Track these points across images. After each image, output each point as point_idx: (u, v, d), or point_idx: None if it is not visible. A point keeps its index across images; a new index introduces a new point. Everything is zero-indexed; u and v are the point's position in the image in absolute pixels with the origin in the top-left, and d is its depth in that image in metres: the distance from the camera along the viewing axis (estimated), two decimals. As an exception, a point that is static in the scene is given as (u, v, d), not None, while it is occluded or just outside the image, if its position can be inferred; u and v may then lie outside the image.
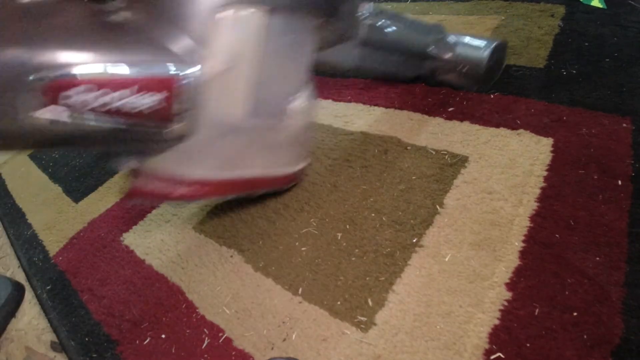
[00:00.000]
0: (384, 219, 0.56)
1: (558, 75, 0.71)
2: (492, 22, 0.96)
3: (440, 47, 0.70)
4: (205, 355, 0.48)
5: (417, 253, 0.51)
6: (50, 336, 0.60)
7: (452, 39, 0.71)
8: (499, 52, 0.70)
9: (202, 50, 0.38)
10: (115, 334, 0.54)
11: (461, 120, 0.69)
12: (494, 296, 0.44)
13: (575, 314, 0.40)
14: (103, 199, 0.83)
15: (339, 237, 0.56)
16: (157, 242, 0.67)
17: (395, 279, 0.49)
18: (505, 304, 0.43)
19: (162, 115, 0.38)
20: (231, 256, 0.59)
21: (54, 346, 0.58)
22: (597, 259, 0.44)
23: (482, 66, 0.68)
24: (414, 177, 0.61)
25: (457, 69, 0.70)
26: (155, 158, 0.43)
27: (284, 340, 0.47)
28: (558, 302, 0.42)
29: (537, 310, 0.41)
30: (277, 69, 0.45)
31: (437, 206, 0.55)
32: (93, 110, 0.35)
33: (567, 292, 0.42)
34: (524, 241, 0.48)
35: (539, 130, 0.62)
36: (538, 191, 0.53)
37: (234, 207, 0.67)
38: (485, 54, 0.67)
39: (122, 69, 0.35)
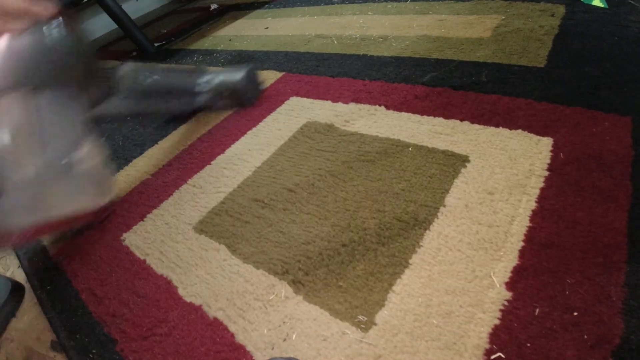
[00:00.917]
0: (384, 218, 0.56)
1: (558, 75, 0.71)
2: (492, 22, 0.96)
3: (204, 82, 0.87)
4: (206, 355, 0.48)
5: (417, 253, 0.51)
6: (50, 336, 0.60)
7: (211, 74, 0.88)
8: (250, 75, 0.87)
9: None
10: (116, 334, 0.54)
11: (461, 120, 0.69)
12: (494, 296, 0.44)
13: (575, 313, 0.40)
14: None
15: (340, 237, 0.56)
16: (157, 242, 0.67)
17: (395, 279, 0.49)
18: (506, 304, 0.43)
19: None
20: (231, 256, 0.59)
21: (54, 346, 0.58)
22: (597, 259, 0.44)
23: (239, 88, 0.86)
24: (414, 177, 0.61)
25: (224, 95, 0.87)
26: None
27: (285, 340, 0.47)
28: (558, 302, 0.42)
29: (537, 310, 0.41)
30: (54, 129, 0.56)
31: (438, 206, 0.55)
32: None
33: (567, 292, 0.42)
34: (523, 241, 0.48)
35: (539, 130, 0.62)
36: (538, 191, 0.53)
37: (235, 208, 0.67)
38: (239, 77, 0.85)
39: None
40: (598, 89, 0.65)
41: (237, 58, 1.28)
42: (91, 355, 0.53)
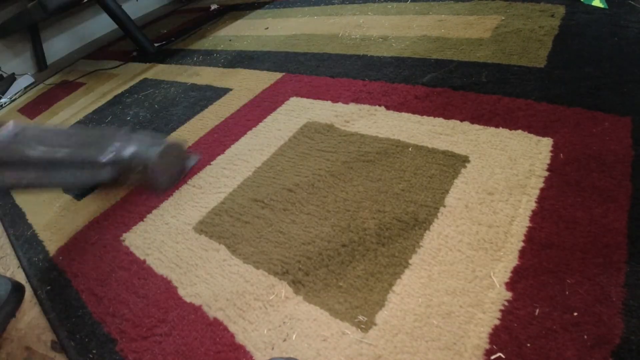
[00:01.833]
0: (384, 219, 0.56)
1: (558, 75, 0.71)
2: (492, 22, 0.96)
3: (111, 151, 0.68)
4: (206, 355, 0.48)
5: (417, 253, 0.51)
6: (50, 336, 0.60)
7: (122, 143, 0.70)
8: (168, 154, 0.66)
9: None
10: (116, 334, 0.54)
11: (461, 120, 0.69)
12: (494, 296, 0.44)
13: (575, 314, 0.40)
14: (103, 198, 0.83)
15: (340, 238, 0.56)
16: (157, 242, 0.67)
17: (395, 279, 0.49)
18: (506, 304, 0.43)
19: None
20: (231, 256, 0.59)
21: (54, 346, 0.58)
22: (597, 259, 0.44)
23: (149, 168, 0.66)
24: (414, 177, 0.61)
25: (135, 170, 0.67)
26: None
27: (285, 340, 0.47)
28: (558, 302, 0.42)
29: (537, 310, 0.41)
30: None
31: (438, 206, 0.55)
32: None
33: (567, 292, 0.42)
34: (523, 241, 0.48)
35: (539, 130, 0.62)
36: (538, 191, 0.53)
37: (235, 208, 0.67)
38: (154, 154, 0.65)
39: None
40: (598, 89, 0.65)
41: (237, 58, 1.28)
42: (91, 355, 0.53)
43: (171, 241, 0.66)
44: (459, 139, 0.65)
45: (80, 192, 0.85)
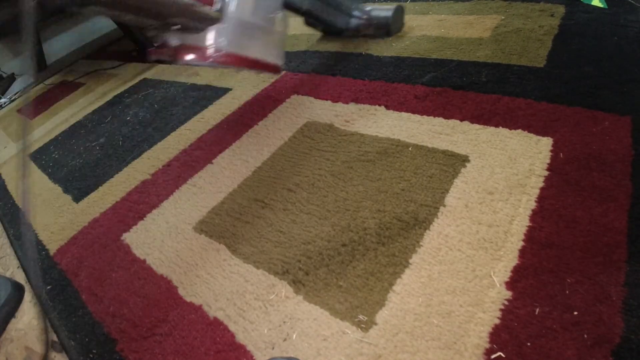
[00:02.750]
0: (384, 218, 0.56)
1: (558, 75, 0.71)
2: (491, 21, 0.96)
3: (359, 11, 1.04)
4: (206, 355, 0.48)
5: (417, 253, 0.51)
6: (50, 336, 0.60)
7: (365, 7, 1.05)
8: (398, 12, 1.02)
9: None
10: (116, 334, 0.54)
11: (461, 120, 0.69)
12: (494, 295, 0.44)
13: (575, 313, 0.40)
14: (103, 198, 0.83)
15: (340, 237, 0.56)
16: (157, 242, 0.67)
17: (395, 279, 0.49)
18: (506, 303, 0.43)
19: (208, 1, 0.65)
20: (231, 256, 0.59)
21: (54, 346, 0.58)
22: (597, 258, 0.44)
23: (388, 21, 1.01)
24: (414, 177, 0.61)
25: (372, 24, 1.03)
26: (193, 36, 0.68)
27: (285, 340, 0.47)
28: (558, 301, 0.42)
29: (537, 310, 0.42)
30: None
31: (438, 206, 0.56)
32: None
33: (567, 292, 0.42)
34: (523, 240, 0.48)
35: (539, 129, 0.62)
36: (538, 191, 0.53)
37: (235, 208, 0.67)
38: (389, 13, 1.00)
39: None
40: (598, 88, 0.65)
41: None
42: (91, 355, 0.53)
43: (171, 241, 0.66)
44: (459, 139, 0.65)
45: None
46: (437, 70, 0.84)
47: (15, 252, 0.79)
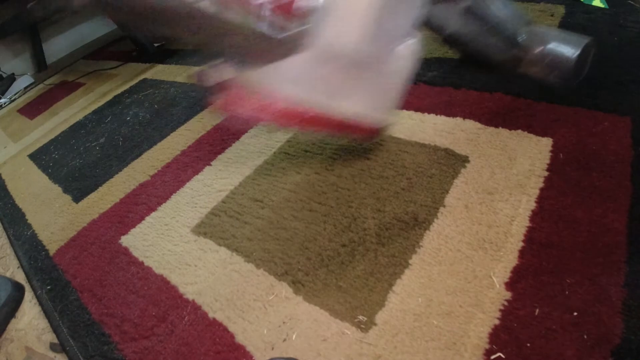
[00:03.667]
0: (384, 218, 0.56)
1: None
2: (491, 22, 0.95)
3: (531, 37, 0.64)
4: (205, 355, 0.48)
5: (417, 253, 0.51)
6: (50, 336, 0.60)
7: (542, 31, 0.67)
8: (588, 50, 0.65)
9: None
10: (115, 334, 0.54)
11: (462, 119, 0.69)
12: (494, 296, 0.44)
13: (575, 313, 0.40)
14: (103, 199, 0.83)
15: (340, 237, 0.56)
16: (156, 242, 0.67)
17: (395, 279, 0.49)
18: (505, 303, 0.43)
19: (284, 9, 0.38)
20: (230, 257, 0.59)
21: (53, 347, 0.58)
22: (597, 259, 0.44)
23: (571, 63, 0.63)
24: (414, 177, 0.61)
25: (545, 62, 0.64)
26: (254, 70, 0.43)
27: (284, 340, 0.47)
28: (558, 302, 0.42)
29: (537, 310, 0.41)
30: (392, 8, 0.45)
31: (438, 206, 0.55)
32: None
33: (567, 292, 0.42)
34: (523, 241, 0.48)
35: (539, 130, 0.62)
36: (537, 191, 0.53)
37: (234, 208, 0.67)
38: (576, 51, 0.63)
39: None
40: (598, 89, 0.65)
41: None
42: (91, 356, 0.53)
43: (171, 241, 0.66)
44: (459, 139, 0.65)
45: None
46: (438, 69, 0.84)
47: (15, 252, 0.79)
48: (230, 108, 0.45)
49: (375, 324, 0.45)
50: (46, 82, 1.84)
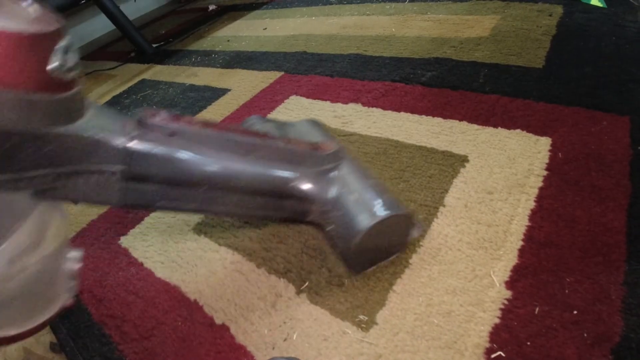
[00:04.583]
0: (383, 218, 0.56)
1: (556, 75, 0.71)
2: (490, 22, 0.96)
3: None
4: (206, 355, 0.48)
5: (417, 253, 0.51)
6: (49, 337, 0.59)
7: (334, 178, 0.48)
8: (391, 225, 0.46)
9: None
10: (115, 335, 0.54)
11: (460, 120, 0.69)
12: (494, 295, 0.44)
13: (575, 312, 0.40)
14: (102, 199, 0.83)
15: (339, 237, 0.56)
16: (156, 243, 0.67)
17: (395, 279, 0.49)
18: (506, 302, 0.43)
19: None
20: (231, 256, 0.59)
21: (53, 347, 0.58)
22: (597, 257, 0.44)
23: (353, 240, 0.45)
24: (413, 177, 0.61)
25: (327, 228, 0.48)
26: None
27: (285, 340, 0.47)
28: (558, 300, 0.42)
29: (537, 309, 0.42)
30: None
31: (437, 206, 0.56)
32: None
33: (566, 291, 0.42)
34: (523, 240, 0.48)
35: (538, 129, 0.62)
36: (537, 190, 0.53)
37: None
38: (367, 223, 0.44)
39: None
40: (596, 88, 0.66)
41: (236, 58, 1.28)
42: (91, 356, 0.53)
43: (171, 241, 0.66)
44: (458, 139, 0.65)
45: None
46: (435, 71, 0.84)
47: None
48: None
49: (375, 323, 0.45)
50: (44, 83, 1.84)
